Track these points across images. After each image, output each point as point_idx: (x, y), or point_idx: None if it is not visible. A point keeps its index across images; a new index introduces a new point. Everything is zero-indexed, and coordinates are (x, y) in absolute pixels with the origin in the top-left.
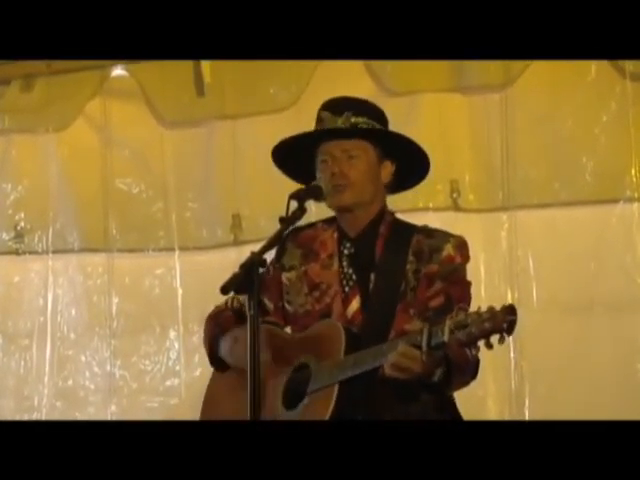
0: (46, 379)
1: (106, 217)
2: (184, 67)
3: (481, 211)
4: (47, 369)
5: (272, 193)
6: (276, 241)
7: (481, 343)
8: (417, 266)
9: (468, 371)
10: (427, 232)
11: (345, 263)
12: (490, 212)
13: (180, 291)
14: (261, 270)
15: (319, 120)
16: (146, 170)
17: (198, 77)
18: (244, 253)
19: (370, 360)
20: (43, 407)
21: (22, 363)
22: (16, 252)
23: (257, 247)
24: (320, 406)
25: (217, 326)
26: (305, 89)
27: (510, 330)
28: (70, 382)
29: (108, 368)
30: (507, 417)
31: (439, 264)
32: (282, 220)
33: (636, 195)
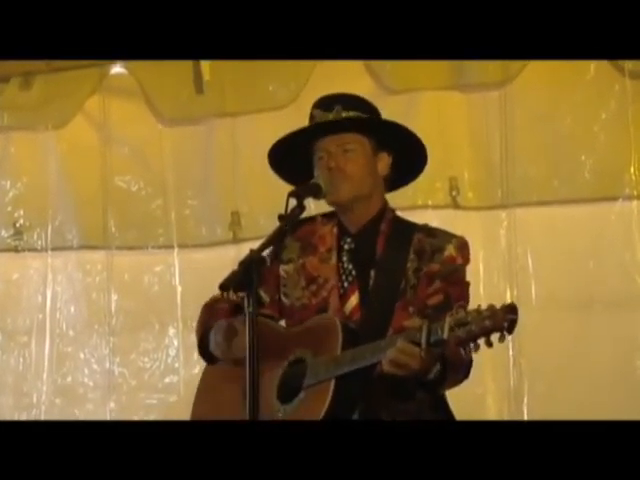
0: (45, 376)
1: (105, 214)
2: (183, 65)
3: (480, 209)
4: (46, 366)
5: (271, 191)
6: (275, 239)
7: (481, 341)
8: (418, 265)
9: (462, 370)
10: (428, 231)
11: (345, 258)
12: (489, 210)
13: (179, 288)
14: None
15: (311, 118)
16: (145, 168)
17: (197, 75)
18: (243, 251)
19: (368, 356)
20: (42, 404)
21: (21, 360)
22: (15, 249)
23: (256, 245)
24: (316, 401)
25: (211, 317)
26: (304, 87)
27: (511, 329)
28: (69, 379)
29: (107, 365)
30: (506, 415)
31: (440, 264)
32: (281, 218)
33: (635, 193)
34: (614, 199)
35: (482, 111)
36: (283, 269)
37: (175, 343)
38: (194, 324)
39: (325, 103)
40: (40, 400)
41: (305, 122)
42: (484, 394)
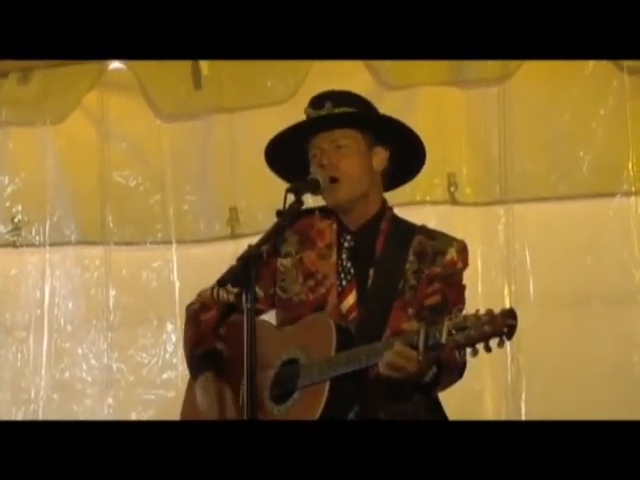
0: (43, 371)
1: (103, 210)
2: (181, 61)
3: (478, 204)
4: (44, 361)
5: (269, 186)
6: (273, 234)
7: (480, 346)
8: (419, 266)
9: (455, 372)
10: (428, 233)
11: (344, 256)
12: (487, 206)
13: (177, 284)
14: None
15: (306, 117)
16: (143, 163)
17: (196, 70)
18: (241, 246)
19: (363, 359)
20: (40, 399)
21: (19, 355)
22: (13, 245)
23: (254, 240)
24: (311, 402)
25: (198, 331)
26: (302, 82)
27: (510, 335)
28: (67, 374)
29: (105, 361)
30: (503, 411)
31: (442, 267)
32: (279, 213)
33: (633, 189)
34: (612, 195)
35: (481, 107)
36: (281, 263)
37: (173, 339)
38: None
39: (316, 101)
40: (38, 395)
41: (303, 118)
42: (482, 390)
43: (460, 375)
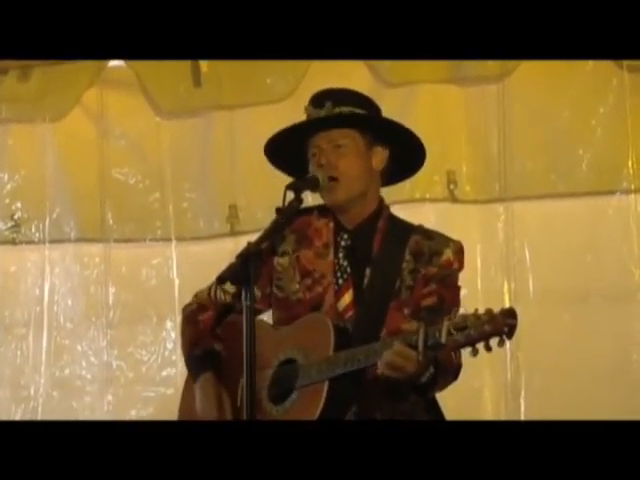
0: (43, 369)
1: (103, 207)
2: None
3: (478, 202)
4: (44, 359)
5: (269, 184)
6: (273, 232)
7: (480, 345)
8: (415, 266)
9: (451, 373)
10: (425, 233)
11: (341, 255)
12: (487, 203)
13: (177, 281)
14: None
15: (307, 116)
16: (143, 160)
17: (195, 67)
18: (241, 244)
19: (362, 359)
20: (40, 397)
21: (18, 353)
22: (13, 242)
23: (254, 238)
24: (310, 402)
25: (196, 332)
26: (302, 79)
27: (510, 334)
28: (67, 372)
29: (105, 358)
30: (503, 408)
31: (438, 267)
32: (279, 211)
33: (633, 187)
34: (612, 193)
35: (480, 105)
36: (277, 262)
37: (172, 336)
38: None
39: (317, 100)
40: (38, 393)
41: (303, 115)
42: (481, 388)
43: (455, 377)
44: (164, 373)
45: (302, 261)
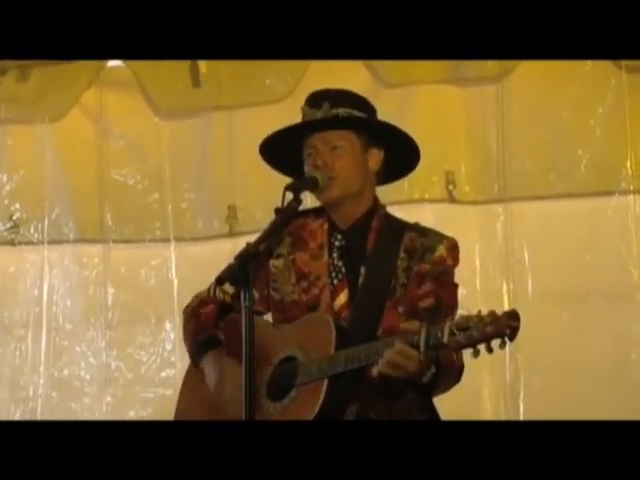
0: (41, 369)
1: (102, 208)
2: None
3: (477, 203)
4: (42, 359)
5: (268, 184)
6: (272, 232)
7: (481, 347)
8: (409, 264)
9: (453, 375)
10: (419, 230)
11: (335, 255)
12: (486, 204)
13: (176, 282)
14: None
15: (303, 116)
16: (142, 161)
17: (194, 68)
18: (240, 244)
19: (362, 358)
20: (38, 397)
21: (17, 353)
22: (11, 242)
23: (253, 238)
24: (309, 400)
25: (198, 325)
26: (301, 80)
27: (513, 336)
28: (65, 372)
29: (104, 359)
30: (502, 409)
31: (431, 264)
32: (278, 211)
33: (631, 187)
34: (610, 193)
35: (479, 105)
36: (273, 264)
37: (172, 337)
38: None
39: (314, 100)
40: (37, 393)
41: (301, 115)
42: (480, 388)
43: (458, 379)
44: (163, 374)
45: (298, 263)
